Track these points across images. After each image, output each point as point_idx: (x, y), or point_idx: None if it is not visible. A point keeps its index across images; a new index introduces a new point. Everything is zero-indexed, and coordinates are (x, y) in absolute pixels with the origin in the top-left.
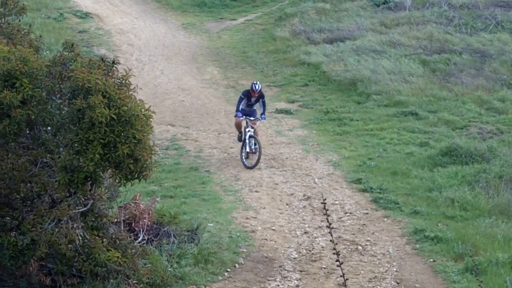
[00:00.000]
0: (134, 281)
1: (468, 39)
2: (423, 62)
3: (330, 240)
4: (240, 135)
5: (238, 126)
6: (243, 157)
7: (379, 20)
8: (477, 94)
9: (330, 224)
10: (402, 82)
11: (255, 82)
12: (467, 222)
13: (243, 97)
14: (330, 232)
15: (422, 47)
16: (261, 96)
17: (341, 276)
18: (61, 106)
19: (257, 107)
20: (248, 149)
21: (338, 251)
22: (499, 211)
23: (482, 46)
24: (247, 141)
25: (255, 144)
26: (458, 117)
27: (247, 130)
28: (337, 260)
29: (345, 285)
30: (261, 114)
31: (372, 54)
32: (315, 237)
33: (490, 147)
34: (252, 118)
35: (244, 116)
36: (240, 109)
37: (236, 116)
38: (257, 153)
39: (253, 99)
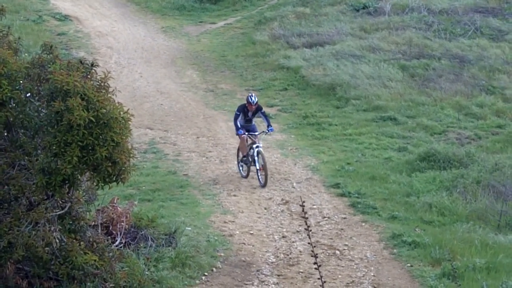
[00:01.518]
0: (111, 285)
1: (447, 44)
2: (402, 67)
3: (308, 243)
4: (245, 158)
5: (243, 146)
6: (259, 175)
7: (358, 25)
8: (455, 99)
9: (308, 226)
10: (381, 87)
11: (250, 94)
12: (444, 227)
13: (238, 113)
14: (308, 235)
15: (401, 52)
16: (258, 108)
17: (318, 279)
18: (40, 108)
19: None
20: (258, 166)
21: (316, 254)
22: (477, 216)
23: (461, 52)
24: (256, 158)
25: (263, 161)
26: (437, 123)
27: (254, 146)
28: (315, 263)
29: (323, 287)
30: (268, 127)
31: (351, 58)
32: (293, 242)
33: (468, 153)
34: (256, 133)
35: (247, 133)
36: (239, 126)
37: (238, 134)
38: (265, 170)
39: (250, 114)
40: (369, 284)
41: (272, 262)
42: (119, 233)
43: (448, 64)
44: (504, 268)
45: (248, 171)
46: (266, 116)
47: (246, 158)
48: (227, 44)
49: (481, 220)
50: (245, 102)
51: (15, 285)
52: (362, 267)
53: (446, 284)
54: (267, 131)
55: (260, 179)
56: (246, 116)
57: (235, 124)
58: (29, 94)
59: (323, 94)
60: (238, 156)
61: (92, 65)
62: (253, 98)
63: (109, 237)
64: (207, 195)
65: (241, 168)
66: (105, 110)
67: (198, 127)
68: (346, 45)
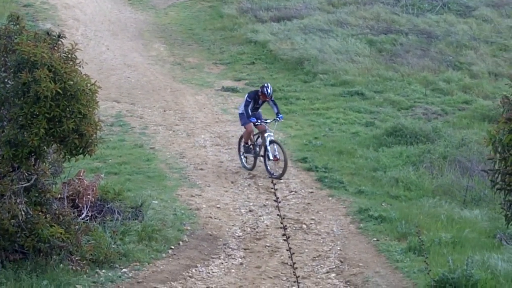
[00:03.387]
0: (77, 258)
1: (414, 20)
2: (369, 42)
3: (278, 215)
4: (248, 146)
5: (248, 134)
6: (268, 167)
7: None
8: (422, 75)
9: (277, 198)
10: (349, 62)
11: (266, 85)
12: (411, 202)
13: (249, 100)
14: (277, 207)
15: (369, 27)
16: None
17: (287, 250)
18: (6, 80)
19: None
20: (272, 157)
21: (286, 225)
22: (443, 191)
23: (428, 27)
24: (268, 147)
25: (276, 150)
26: (404, 98)
27: (266, 135)
28: (284, 234)
29: (292, 259)
30: (277, 114)
31: (319, 33)
32: (260, 216)
33: (434, 128)
34: (268, 120)
35: (259, 121)
36: (250, 114)
37: (246, 123)
38: (283, 160)
39: (260, 101)
40: (336, 258)
41: (238, 236)
42: (85, 206)
43: (415, 40)
44: (470, 243)
45: (255, 162)
46: (275, 104)
47: (253, 148)
48: (195, 18)
49: (447, 195)
50: (258, 90)
51: None
52: (329, 241)
53: (412, 258)
54: (277, 118)
55: (271, 170)
56: (256, 103)
57: (246, 112)
58: None
59: (290, 68)
60: (240, 146)
61: (59, 36)
62: (268, 90)
63: (75, 210)
64: (174, 168)
65: (244, 159)
66: (72, 82)
67: (165, 100)
68: (314, 20)
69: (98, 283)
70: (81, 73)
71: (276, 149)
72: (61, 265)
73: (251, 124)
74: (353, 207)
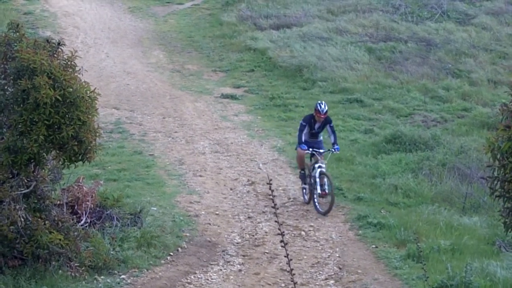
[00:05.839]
0: (76, 264)
1: (414, 27)
2: (369, 49)
3: (275, 221)
4: (302, 172)
5: (301, 159)
6: (316, 201)
7: (326, 7)
8: (422, 82)
9: (275, 204)
10: (348, 69)
11: (320, 101)
12: (410, 209)
13: (304, 124)
14: (275, 213)
15: (368, 34)
16: (327, 121)
17: (285, 256)
18: (5, 87)
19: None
20: (320, 190)
21: (283, 232)
22: (442, 198)
23: (427, 35)
24: (317, 179)
25: (326, 184)
26: (403, 105)
27: (316, 166)
28: (281, 241)
29: (289, 265)
30: (333, 145)
31: (318, 41)
32: (259, 222)
33: (434, 135)
34: (321, 151)
35: (310, 149)
36: (303, 140)
37: (301, 149)
38: (330, 196)
39: (317, 126)
40: (334, 265)
41: (237, 243)
42: (84, 212)
43: (414, 47)
44: (469, 250)
45: (311, 195)
46: (334, 132)
47: (304, 174)
48: (194, 25)
49: (446, 202)
50: (313, 112)
51: None
52: (328, 248)
53: (411, 265)
54: (333, 150)
55: (319, 206)
56: (312, 128)
57: (299, 136)
58: None
59: (290, 75)
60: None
61: (58, 44)
62: (322, 106)
63: (75, 216)
64: (173, 175)
65: (304, 190)
66: (71, 89)
67: (165, 107)
68: (313, 27)
69: None
70: (81, 80)
71: (326, 182)
72: (60, 271)
73: (304, 150)
74: (352, 214)
